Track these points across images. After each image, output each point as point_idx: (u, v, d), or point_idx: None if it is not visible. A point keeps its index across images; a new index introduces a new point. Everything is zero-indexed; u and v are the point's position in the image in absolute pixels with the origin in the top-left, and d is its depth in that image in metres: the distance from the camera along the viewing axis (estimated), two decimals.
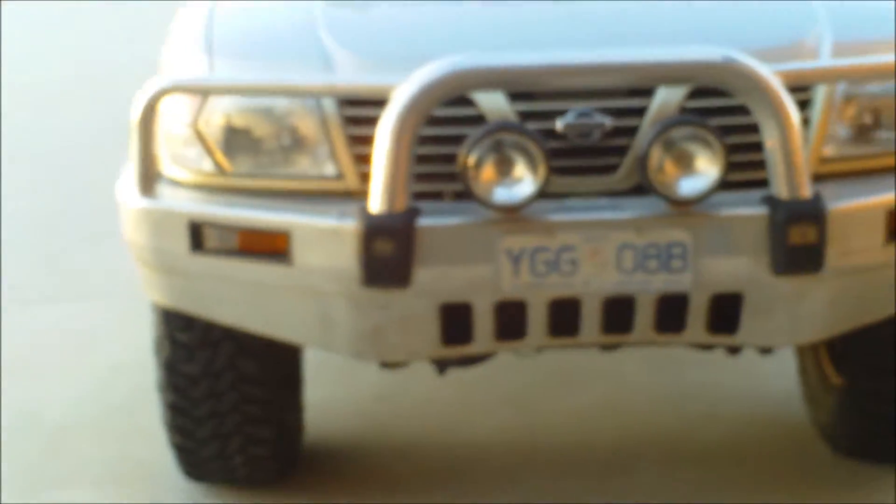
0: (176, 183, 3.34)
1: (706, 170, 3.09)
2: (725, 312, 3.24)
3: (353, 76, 3.22)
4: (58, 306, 5.51)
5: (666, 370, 4.72)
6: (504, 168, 3.08)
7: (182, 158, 3.32)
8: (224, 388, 3.63)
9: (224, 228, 3.23)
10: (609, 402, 4.51)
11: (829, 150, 3.27)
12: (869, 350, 3.82)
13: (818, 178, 3.24)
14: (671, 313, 3.22)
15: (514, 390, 4.60)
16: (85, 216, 6.72)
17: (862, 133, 3.29)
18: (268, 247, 3.19)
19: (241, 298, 3.28)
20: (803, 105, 3.24)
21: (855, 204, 3.16)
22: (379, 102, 3.14)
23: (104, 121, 8.68)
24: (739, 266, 3.14)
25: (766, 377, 4.64)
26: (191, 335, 3.58)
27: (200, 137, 3.28)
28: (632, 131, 3.19)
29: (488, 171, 3.07)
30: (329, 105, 3.21)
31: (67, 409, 4.52)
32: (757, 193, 3.17)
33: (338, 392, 4.60)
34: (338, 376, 4.70)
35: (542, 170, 3.06)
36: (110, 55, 11.07)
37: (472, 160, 3.06)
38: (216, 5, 3.58)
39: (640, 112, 3.19)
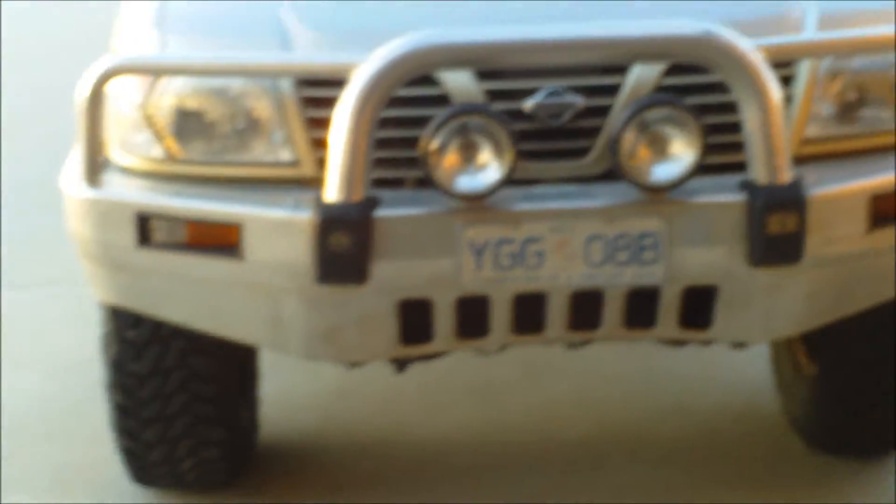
0: (124, 170, 3.15)
1: (682, 154, 2.93)
2: (698, 306, 3.09)
3: (310, 54, 3.04)
4: (26, 292, 5.31)
5: (637, 360, 4.58)
6: (469, 154, 2.91)
7: (131, 144, 3.13)
8: (173, 387, 3.46)
9: (172, 220, 3.05)
10: (578, 394, 4.36)
11: (811, 131, 3.11)
12: (844, 338, 3.68)
13: (799, 160, 3.07)
14: (641, 308, 3.07)
15: (479, 382, 4.45)
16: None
17: (846, 111, 3.13)
18: (218, 240, 3.02)
19: (189, 296, 3.11)
20: (785, 81, 3.07)
21: (837, 189, 3.00)
22: (339, 83, 2.96)
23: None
24: (714, 257, 2.99)
25: (739, 366, 4.50)
26: (139, 332, 3.40)
27: (150, 121, 3.10)
28: (604, 111, 3.02)
29: (452, 157, 2.90)
30: (286, 86, 3.02)
31: (18, 408, 4.34)
32: (735, 178, 3.00)
33: (296, 386, 4.44)
34: (296, 369, 4.54)
35: (508, 155, 2.89)
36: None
37: (434, 145, 2.89)
38: None
39: (613, 91, 3.02)
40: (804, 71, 3.08)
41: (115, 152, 3.17)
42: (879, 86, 3.14)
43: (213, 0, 3.27)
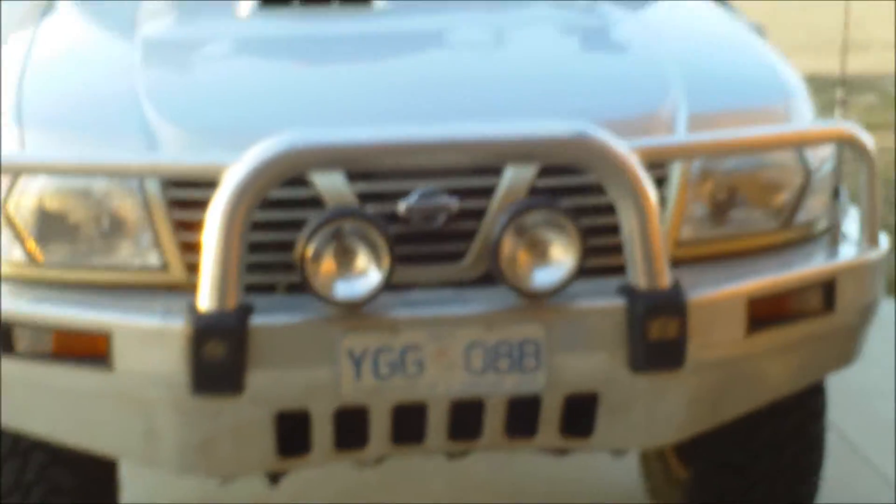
0: None
1: (561, 259, 2.88)
2: (579, 414, 3.04)
3: (178, 154, 2.95)
4: None
5: (509, 463, 4.50)
6: (345, 259, 2.83)
7: None
8: (34, 503, 3.31)
9: (36, 329, 2.92)
10: (452, 497, 4.28)
11: (686, 232, 3.09)
12: (715, 441, 3.64)
13: (674, 262, 3.03)
14: (522, 416, 3.00)
15: (351, 485, 4.34)
16: None
17: (719, 213, 3.12)
18: (86, 350, 2.90)
19: (55, 408, 2.98)
20: (658, 183, 3.03)
21: (715, 293, 2.98)
22: (208, 184, 2.86)
23: None
24: (596, 363, 2.94)
25: (612, 469, 4.45)
26: None
27: (10, 222, 2.97)
28: (479, 214, 2.97)
29: (328, 264, 2.82)
30: (153, 186, 2.92)
31: None
32: (614, 282, 2.96)
33: (159, 495, 4.29)
34: (158, 476, 4.39)
35: (386, 260, 2.82)
36: None
37: (310, 251, 2.81)
38: (27, 65, 3.28)
39: (488, 192, 2.96)
40: (677, 173, 3.06)
41: None
42: (750, 187, 3.14)
43: (72, 88, 3.18)
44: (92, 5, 3.82)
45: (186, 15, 3.69)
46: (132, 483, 4.25)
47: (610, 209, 2.96)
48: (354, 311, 2.86)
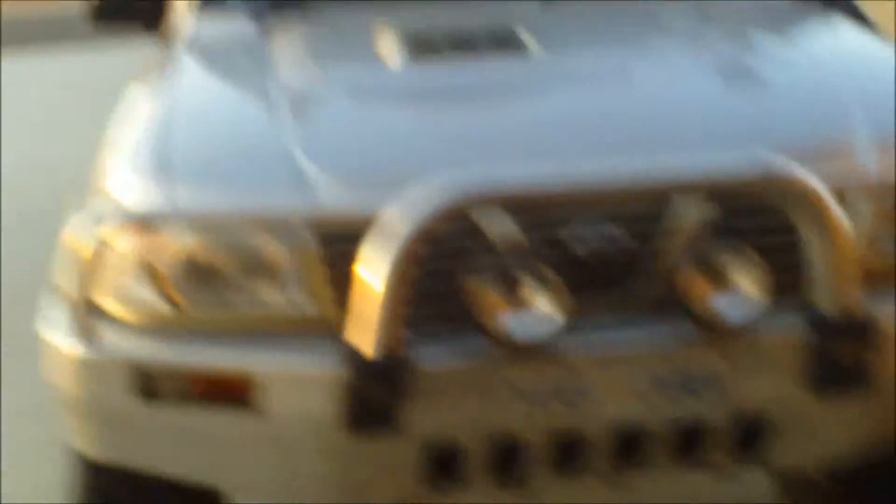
0: (123, 324, 2.83)
1: (750, 292, 2.69)
2: (754, 441, 2.87)
3: (334, 201, 2.79)
4: None
5: None
6: (522, 301, 2.65)
7: (129, 295, 2.82)
8: None
9: (180, 377, 2.75)
10: None
11: (874, 260, 2.88)
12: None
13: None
14: (692, 447, 2.84)
15: None
16: None
17: None
18: (232, 395, 2.73)
19: (200, 453, 2.82)
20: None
21: None
22: (363, 229, 2.70)
23: None
24: (778, 390, 2.77)
25: None
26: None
27: (152, 271, 2.79)
28: (645, 239, 2.78)
29: (501, 304, 2.64)
30: (305, 233, 2.77)
31: None
32: (795, 311, 2.77)
33: None
34: None
35: (568, 302, 2.65)
36: None
37: (483, 291, 2.64)
38: (174, 110, 3.18)
39: (653, 219, 2.77)
40: (866, 205, 2.88)
41: (111, 304, 2.85)
42: None
43: (222, 138, 3.08)
44: (217, 54, 3.72)
45: (329, 66, 3.56)
46: None
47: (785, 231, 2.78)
48: (531, 353, 2.68)
